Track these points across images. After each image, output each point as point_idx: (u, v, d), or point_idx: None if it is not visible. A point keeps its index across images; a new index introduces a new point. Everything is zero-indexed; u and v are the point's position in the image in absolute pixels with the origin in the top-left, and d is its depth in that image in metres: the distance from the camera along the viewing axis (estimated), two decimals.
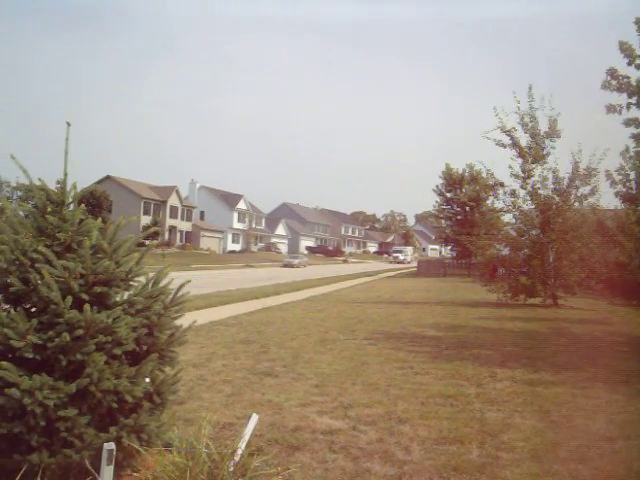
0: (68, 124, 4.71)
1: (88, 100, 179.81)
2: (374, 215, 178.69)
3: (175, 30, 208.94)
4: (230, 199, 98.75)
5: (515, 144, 23.28)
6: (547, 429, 6.45)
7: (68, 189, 4.70)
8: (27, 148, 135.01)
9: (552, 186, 23.27)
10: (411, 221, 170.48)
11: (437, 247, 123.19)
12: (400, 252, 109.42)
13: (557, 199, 23.14)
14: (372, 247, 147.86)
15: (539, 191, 23.39)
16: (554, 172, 23.14)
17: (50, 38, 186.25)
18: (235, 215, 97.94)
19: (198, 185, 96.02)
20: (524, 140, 23.32)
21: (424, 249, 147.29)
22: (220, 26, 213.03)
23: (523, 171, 23.41)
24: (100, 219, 4.91)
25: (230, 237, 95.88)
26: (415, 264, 79.80)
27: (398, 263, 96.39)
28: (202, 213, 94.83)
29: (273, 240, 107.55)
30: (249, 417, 5.23)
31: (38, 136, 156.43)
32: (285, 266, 66.19)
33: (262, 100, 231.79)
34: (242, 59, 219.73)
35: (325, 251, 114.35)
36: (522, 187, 23.60)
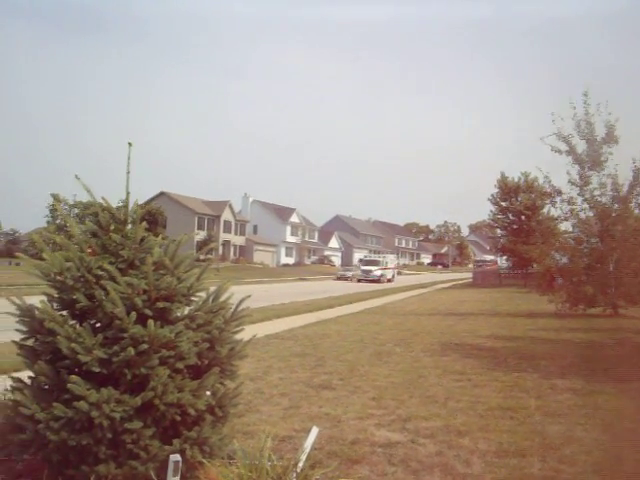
0: (130, 144, 4.87)
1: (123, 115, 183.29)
2: (427, 226, 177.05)
3: (199, 38, 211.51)
4: (283, 213, 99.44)
5: (572, 151, 22.88)
6: (610, 442, 6.31)
7: (130, 208, 4.85)
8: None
9: (611, 193, 22.79)
10: (465, 231, 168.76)
11: (492, 257, 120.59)
12: (374, 264, 65.99)
13: (616, 206, 22.64)
14: (426, 258, 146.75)
15: (597, 198, 22.93)
16: (613, 178, 22.66)
17: (53, 45, 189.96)
18: (288, 228, 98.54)
19: (251, 199, 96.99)
20: (580, 147, 22.92)
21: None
22: (241, 33, 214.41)
23: (581, 178, 22.99)
24: (160, 236, 5.05)
25: (283, 250, 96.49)
26: (398, 280, 64.02)
27: (373, 282, 58.38)
28: (255, 227, 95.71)
29: (326, 253, 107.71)
30: (310, 430, 5.27)
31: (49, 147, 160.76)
32: (339, 279, 65.98)
33: (306, 111, 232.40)
34: (272, 67, 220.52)
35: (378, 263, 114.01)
36: (580, 194, 23.18)
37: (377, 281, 59.70)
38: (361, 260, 73.45)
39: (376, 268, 64.01)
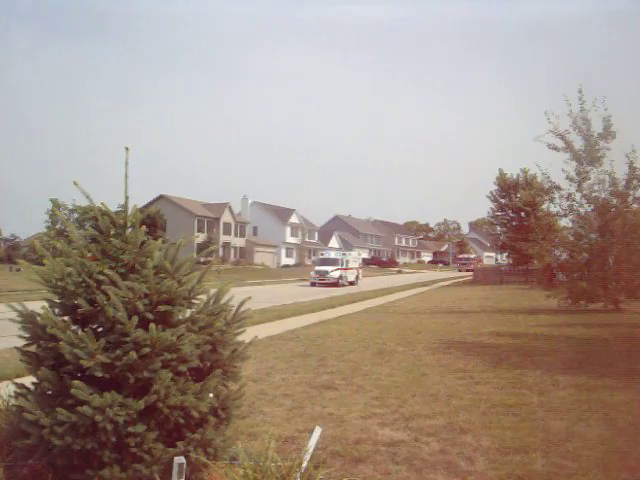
0: (127, 149, 4.88)
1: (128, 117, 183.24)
2: (427, 224, 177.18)
3: (196, 41, 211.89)
4: (282, 214, 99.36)
5: (569, 147, 22.89)
6: (613, 437, 6.32)
7: (129, 212, 4.87)
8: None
9: (609, 188, 22.79)
10: (465, 229, 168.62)
11: (492, 254, 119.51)
12: (331, 263, 52.23)
13: (615, 201, 22.64)
14: (426, 257, 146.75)
15: (595, 194, 22.93)
16: (610, 174, 22.66)
17: (52, 48, 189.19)
18: (288, 229, 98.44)
19: (250, 201, 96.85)
20: (577, 143, 22.92)
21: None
22: (239, 35, 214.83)
23: (578, 174, 22.99)
24: (160, 240, 5.06)
25: (284, 251, 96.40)
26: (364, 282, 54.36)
27: (329, 286, 47.45)
28: (255, 228, 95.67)
29: None
30: (313, 430, 5.28)
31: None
32: None
33: (304, 112, 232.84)
34: (270, 69, 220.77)
35: (379, 262, 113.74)
36: (578, 190, 23.18)
37: (335, 284, 48.50)
38: (316, 261, 60.20)
39: (333, 268, 50.92)
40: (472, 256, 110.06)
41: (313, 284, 49.07)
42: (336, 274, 50.04)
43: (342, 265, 52.26)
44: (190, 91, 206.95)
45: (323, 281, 49.05)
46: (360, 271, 58.49)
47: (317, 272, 50.97)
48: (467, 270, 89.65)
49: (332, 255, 55.65)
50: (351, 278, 53.13)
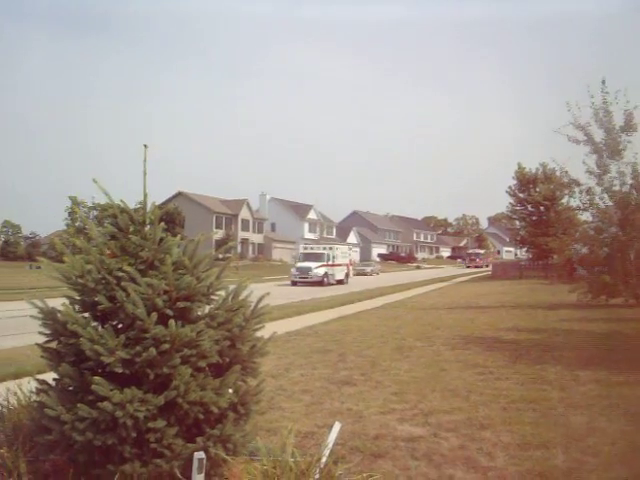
0: (145, 146, 4.91)
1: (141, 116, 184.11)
2: (446, 219, 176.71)
3: (214, 38, 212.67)
4: (300, 209, 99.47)
5: (590, 140, 22.61)
6: (635, 432, 6.26)
7: (148, 209, 4.89)
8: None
9: (630, 181, 22.50)
10: (484, 224, 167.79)
11: (512, 249, 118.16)
12: (315, 259, 44.76)
13: (636, 195, 22.37)
14: (445, 252, 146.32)
15: (616, 187, 22.65)
16: (633, 167, 22.37)
17: (68, 47, 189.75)
18: (306, 225, 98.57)
19: (268, 197, 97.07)
20: (598, 135, 22.63)
21: (499, 252, 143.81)
22: (255, 32, 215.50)
23: (599, 167, 22.73)
24: (179, 236, 5.08)
25: (302, 248, 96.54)
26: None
27: (313, 285, 41.40)
28: (273, 225, 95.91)
29: None
30: (332, 426, 5.29)
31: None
32: (358, 274, 63.13)
33: (321, 109, 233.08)
34: (287, 66, 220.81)
35: (397, 258, 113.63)
36: (598, 184, 22.92)
37: (319, 283, 42.01)
38: (299, 255, 51.37)
39: (317, 265, 43.53)
40: (481, 251, 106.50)
41: (294, 283, 42.72)
42: (320, 271, 43.25)
43: (328, 261, 44.99)
44: (208, 88, 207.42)
45: (305, 279, 42.50)
46: (351, 268, 52.21)
47: (298, 269, 43.98)
48: (475, 267, 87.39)
49: (316, 249, 48.64)
50: (339, 276, 46.15)
